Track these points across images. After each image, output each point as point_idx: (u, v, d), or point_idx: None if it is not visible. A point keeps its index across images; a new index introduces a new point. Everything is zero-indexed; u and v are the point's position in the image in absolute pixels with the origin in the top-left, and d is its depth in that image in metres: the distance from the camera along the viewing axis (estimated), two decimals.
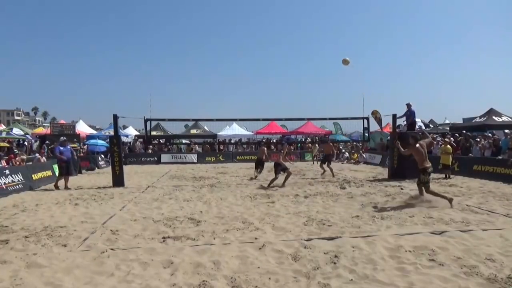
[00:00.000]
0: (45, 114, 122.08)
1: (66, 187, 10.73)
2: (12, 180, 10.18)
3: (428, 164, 7.10)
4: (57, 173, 11.66)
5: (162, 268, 3.93)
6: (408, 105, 12.95)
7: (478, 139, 14.14)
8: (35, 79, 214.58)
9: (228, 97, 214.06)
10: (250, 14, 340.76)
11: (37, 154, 15.09)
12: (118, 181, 11.19)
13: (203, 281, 3.54)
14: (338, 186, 10.31)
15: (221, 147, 26.58)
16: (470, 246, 4.48)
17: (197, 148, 25.34)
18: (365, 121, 14.15)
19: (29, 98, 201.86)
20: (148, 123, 13.35)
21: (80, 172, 15.85)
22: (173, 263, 4.04)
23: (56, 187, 10.74)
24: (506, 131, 13.18)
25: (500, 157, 11.75)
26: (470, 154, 13.72)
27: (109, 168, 12.99)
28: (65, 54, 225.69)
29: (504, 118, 18.26)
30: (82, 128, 26.90)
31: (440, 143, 13.97)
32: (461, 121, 23.21)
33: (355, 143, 23.74)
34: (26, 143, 24.27)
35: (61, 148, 11.04)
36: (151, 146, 24.49)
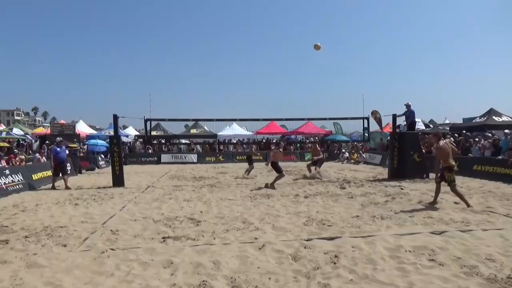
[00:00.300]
0: (45, 114, 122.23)
1: (67, 187, 10.73)
2: (12, 180, 10.19)
3: (453, 162, 6.84)
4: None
5: (162, 268, 3.93)
6: (407, 105, 12.93)
7: (478, 139, 14.16)
8: (35, 79, 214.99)
9: (228, 97, 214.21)
10: (251, 14, 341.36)
11: (37, 154, 15.10)
12: (118, 181, 11.21)
13: (203, 281, 3.54)
14: (338, 186, 10.30)
15: (221, 147, 26.61)
16: (470, 246, 4.48)
17: (198, 148, 25.36)
18: (365, 121, 14.17)
19: (29, 98, 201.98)
20: (148, 123, 13.36)
21: (80, 172, 15.87)
22: (173, 263, 4.04)
23: (54, 187, 10.74)
24: (506, 131, 13.20)
25: (500, 157, 11.75)
26: (470, 154, 13.73)
27: (109, 168, 13.00)
28: (65, 54, 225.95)
29: (504, 118, 18.27)
30: (82, 128, 26.94)
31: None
32: (461, 121, 23.17)
33: (355, 143, 23.74)
34: (26, 142, 24.27)
35: (58, 148, 11.05)
36: (151, 146, 24.50)
